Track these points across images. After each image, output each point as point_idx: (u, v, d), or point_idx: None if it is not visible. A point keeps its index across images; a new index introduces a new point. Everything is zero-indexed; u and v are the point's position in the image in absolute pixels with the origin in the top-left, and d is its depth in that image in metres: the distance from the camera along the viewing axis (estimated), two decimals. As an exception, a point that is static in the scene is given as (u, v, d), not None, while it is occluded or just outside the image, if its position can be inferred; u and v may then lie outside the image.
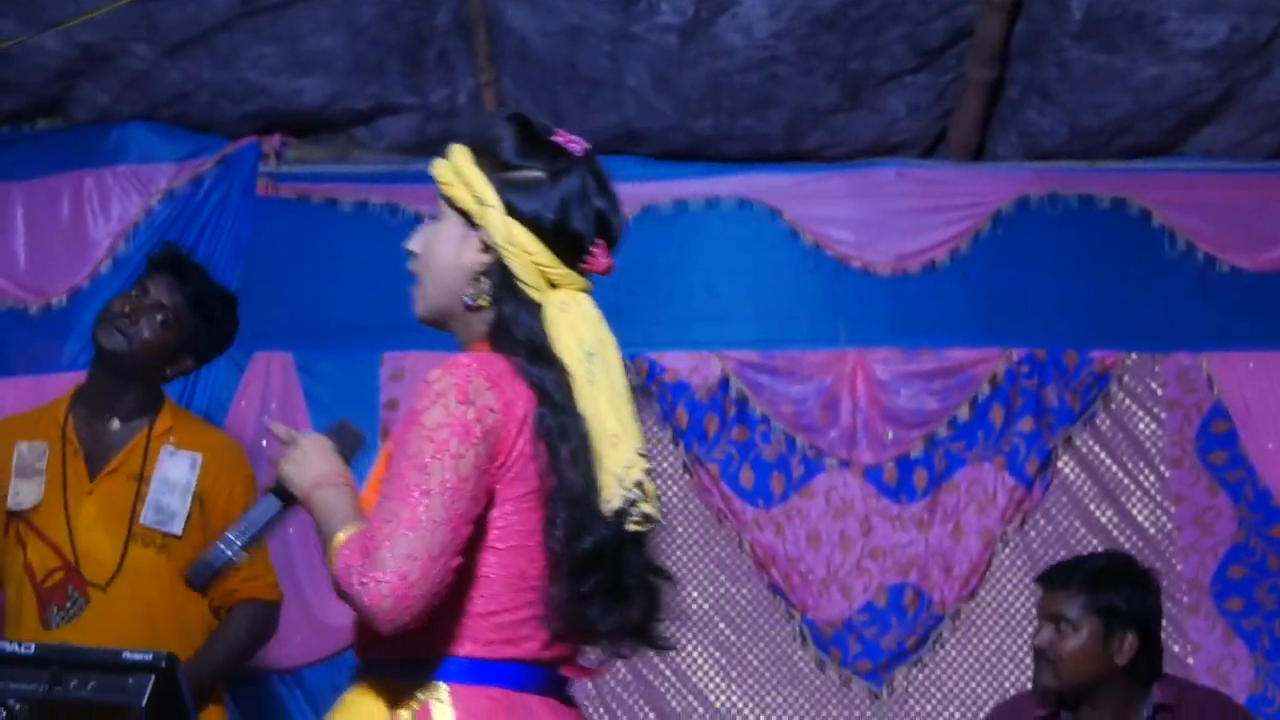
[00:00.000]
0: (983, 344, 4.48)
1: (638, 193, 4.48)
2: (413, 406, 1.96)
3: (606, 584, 2.00)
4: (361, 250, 4.52)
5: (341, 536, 1.94)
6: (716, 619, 4.48)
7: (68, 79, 4.51)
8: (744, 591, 4.48)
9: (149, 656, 2.50)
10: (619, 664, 4.38)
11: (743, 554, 4.47)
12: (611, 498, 1.98)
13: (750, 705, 4.46)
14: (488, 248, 2.07)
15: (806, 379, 4.47)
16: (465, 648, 1.98)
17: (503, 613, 1.98)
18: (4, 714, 2.45)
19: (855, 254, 4.49)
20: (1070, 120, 4.43)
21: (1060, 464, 4.45)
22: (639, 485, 1.99)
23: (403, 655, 1.97)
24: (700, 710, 4.45)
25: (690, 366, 4.48)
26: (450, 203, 2.11)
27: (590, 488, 1.98)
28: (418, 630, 1.90)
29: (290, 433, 2.17)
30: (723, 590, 4.49)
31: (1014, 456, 4.42)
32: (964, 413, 4.45)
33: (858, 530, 4.42)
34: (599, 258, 2.13)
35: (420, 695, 1.97)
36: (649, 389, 4.48)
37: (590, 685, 4.44)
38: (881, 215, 4.51)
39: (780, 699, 4.45)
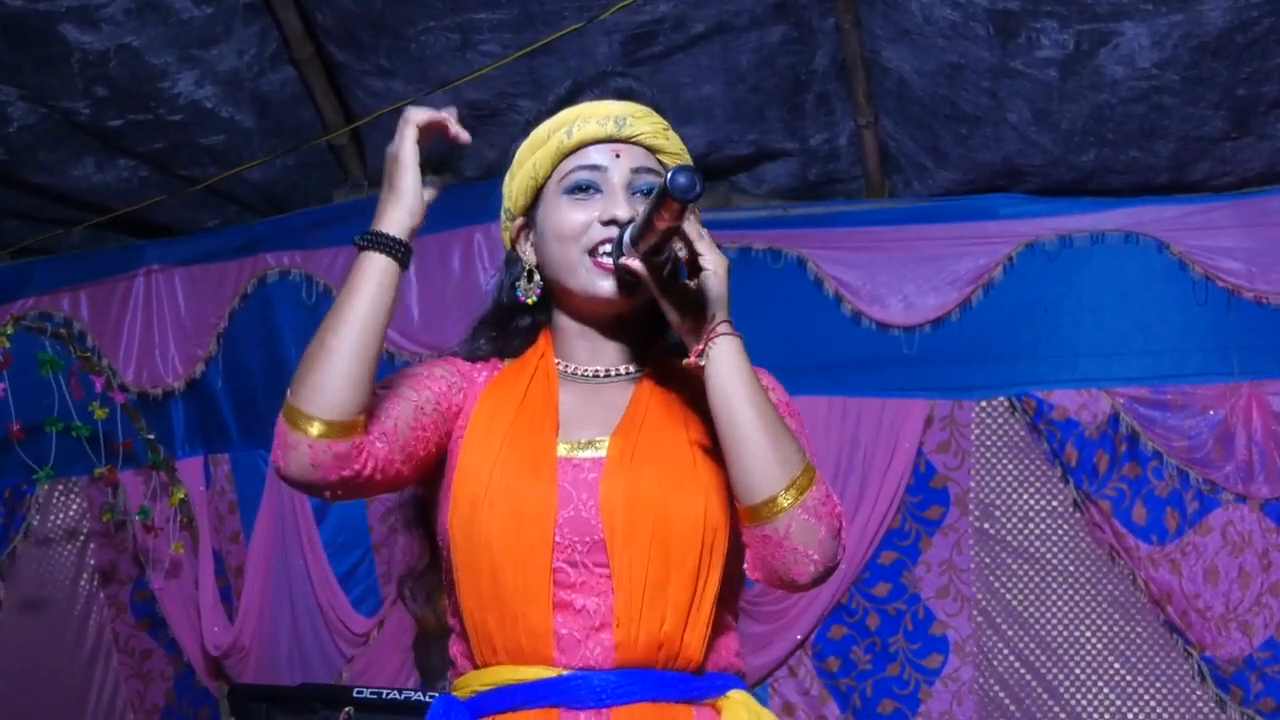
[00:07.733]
0: (1385, 372, 4.35)
1: (1021, 229, 4.46)
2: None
3: None
4: (743, 297, 4.52)
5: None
6: (1111, 658, 4.42)
7: (456, 136, 4.58)
8: (1139, 630, 4.42)
9: None
10: (1009, 702, 4.38)
11: (1137, 591, 4.41)
12: None
13: (1148, 745, 4.40)
14: None
15: (1199, 413, 4.38)
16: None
17: None
18: None
19: (1247, 284, 4.38)
20: None
21: None
22: None
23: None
24: (1096, 750, 4.40)
25: (1079, 404, 4.42)
26: None
27: None
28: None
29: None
30: (1117, 629, 4.43)
31: None
32: (1367, 443, 4.32)
33: (1257, 565, 4.33)
34: None
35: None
36: (1037, 426, 4.44)
37: (979, 722, 4.43)
38: (1273, 244, 4.39)
39: (1179, 739, 4.39)
